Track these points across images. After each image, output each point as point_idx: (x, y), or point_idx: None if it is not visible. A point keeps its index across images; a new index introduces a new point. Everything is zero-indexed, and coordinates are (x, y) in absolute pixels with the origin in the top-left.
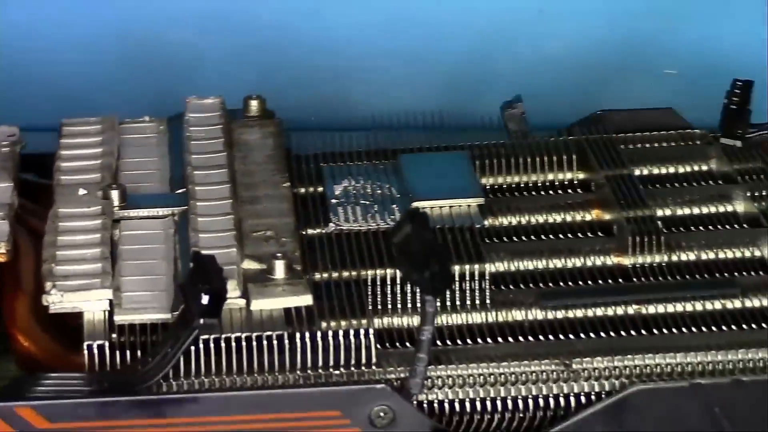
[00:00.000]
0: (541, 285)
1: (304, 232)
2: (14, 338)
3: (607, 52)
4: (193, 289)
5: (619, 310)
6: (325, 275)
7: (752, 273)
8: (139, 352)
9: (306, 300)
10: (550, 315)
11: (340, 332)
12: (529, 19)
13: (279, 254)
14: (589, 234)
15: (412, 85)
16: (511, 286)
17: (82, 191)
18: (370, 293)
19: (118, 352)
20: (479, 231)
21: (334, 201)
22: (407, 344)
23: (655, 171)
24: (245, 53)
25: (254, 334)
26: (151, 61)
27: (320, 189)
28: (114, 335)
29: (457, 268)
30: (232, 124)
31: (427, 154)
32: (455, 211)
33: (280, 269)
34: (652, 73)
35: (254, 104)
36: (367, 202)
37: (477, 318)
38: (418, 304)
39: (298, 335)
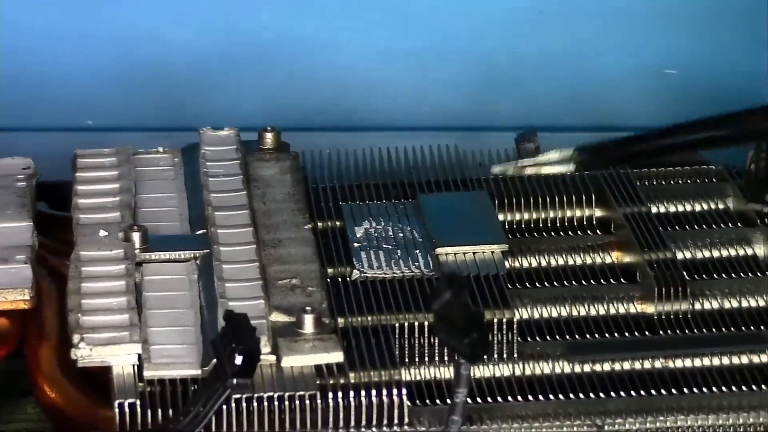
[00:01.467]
0: (567, 336)
1: (327, 275)
2: (39, 387)
3: (607, 52)
4: (226, 348)
5: (647, 364)
6: (352, 323)
7: None
8: (170, 410)
9: (337, 357)
10: (578, 368)
11: (373, 391)
12: (529, 19)
13: (308, 308)
14: (612, 280)
15: (412, 86)
16: (538, 338)
17: (103, 233)
18: (397, 343)
19: (149, 410)
20: (504, 278)
21: (356, 245)
22: (437, 401)
23: (672, 209)
24: (245, 53)
25: (287, 394)
26: (149, 62)
27: (338, 224)
28: (143, 388)
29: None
30: (247, 157)
31: (446, 194)
32: (479, 257)
33: (309, 324)
34: (652, 73)
35: (269, 137)
36: (390, 247)
37: (505, 370)
38: (446, 356)
39: (330, 394)
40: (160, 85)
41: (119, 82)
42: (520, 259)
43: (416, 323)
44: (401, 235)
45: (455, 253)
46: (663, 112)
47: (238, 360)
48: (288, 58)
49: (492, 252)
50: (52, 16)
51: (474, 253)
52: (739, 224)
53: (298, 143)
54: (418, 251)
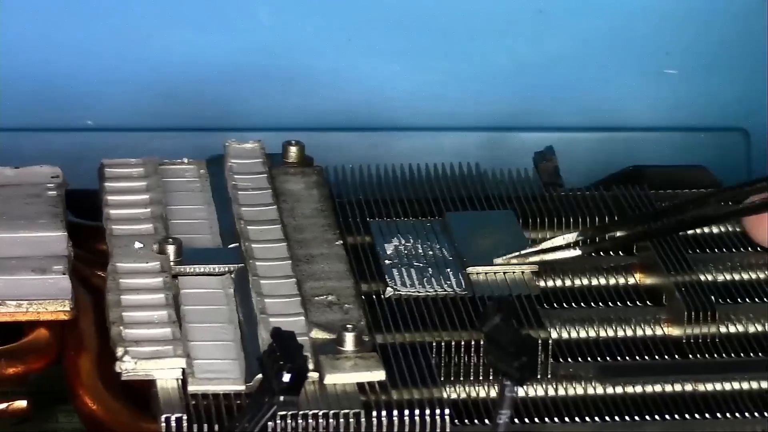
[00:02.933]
0: (598, 358)
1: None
2: (80, 398)
3: (607, 52)
4: (274, 365)
5: (678, 387)
6: (389, 340)
7: None
8: (215, 425)
9: (379, 375)
10: (610, 390)
11: (416, 409)
12: (529, 19)
13: (348, 325)
14: (638, 302)
15: (412, 85)
16: (570, 359)
17: (138, 244)
18: (434, 361)
19: (195, 425)
20: (535, 298)
21: (387, 262)
22: (476, 420)
23: (691, 231)
24: (245, 53)
25: (331, 411)
26: (149, 61)
27: (367, 239)
28: (189, 403)
29: None
30: (272, 171)
31: (473, 213)
32: (509, 277)
33: (350, 341)
34: (652, 73)
35: (293, 150)
36: (421, 264)
37: (539, 391)
38: (481, 375)
39: (374, 412)
40: (161, 85)
41: (120, 82)
42: (545, 278)
43: (452, 342)
44: (431, 253)
45: (486, 273)
46: (663, 112)
47: (287, 377)
48: (288, 58)
49: (522, 272)
50: (53, 16)
51: (505, 273)
52: (758, 248)
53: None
54: (449, 270)
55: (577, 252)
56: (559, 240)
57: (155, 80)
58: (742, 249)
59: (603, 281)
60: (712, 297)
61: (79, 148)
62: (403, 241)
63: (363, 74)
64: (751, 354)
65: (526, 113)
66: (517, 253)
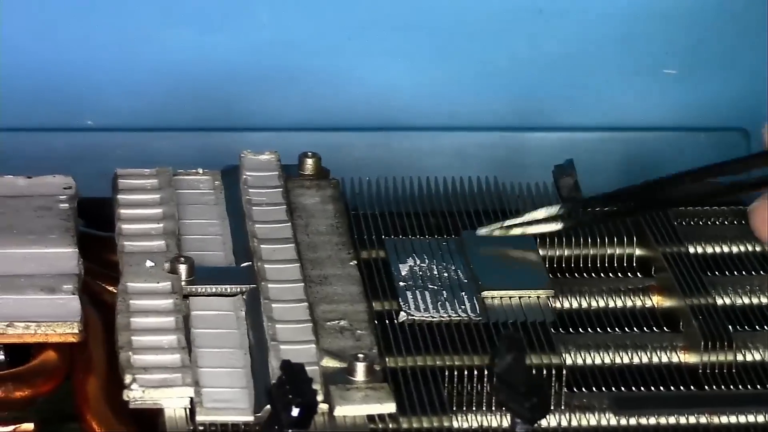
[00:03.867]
0: (613, 387)
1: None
2: (87, 423)
3: (607, 52)
4: (283, 398)
5: (692, 419)
6: (400, 366)
7: None
8: None
9: (390, 407)
10: (624, 421)
11: None
12: (529, 19)
13: (360, 354)
14: (654, 328)
15: (412, 85)
16: (584, 389)
17: (149, 263)
18: (446, 390)
19: None
20: (550, 325)
21: (402, 284)
22: None
23: (710, 250)
24: (245, 53)
25: None
26: (150, 61)
27: (381, 254)
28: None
29: (533, 367)
30: (288, 184)
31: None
32: (525, 302)
33: (361, 372)
34: (652, 73)
35: (310, 162)
36: (435, 287)
37: (552, 421)
38: (494, 404)
39: None
40: (161, 85)
41: (120, 82)
42: (561, 300)
43: (465, 369)
44: (446, 275)
45: (501, 297)
46: (663, 113)
47: (295, 412)
48: (288, 58)
49: (538, 297)
50: (53, 16)
51: (520, 297)
52: None
53: (298, 143)
54: (464, 293)
55: (558, 226)
56: (542, 212)
57: (155, 80)
58: (762, 272)
59: (620, 303)
60: (729, 326)
61: (79, 148)
62: (418, 262)
63: (363, 74)
64: None
65: (526, 113)
66: (499, 224)
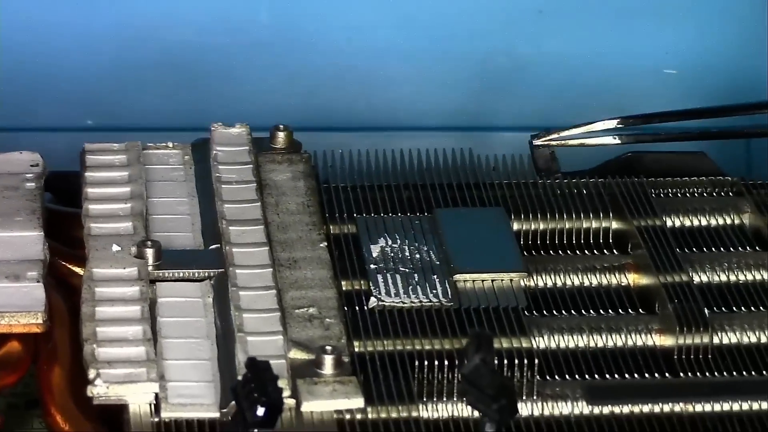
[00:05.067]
0: (586, 375)
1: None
2: (51, 417)
3: (607, 52)
4: (248, 397)
5: (666, 408)
6: (369, 353)
7: None
8: None
9: (358, 403)
10: (597, 410)
11: (392, 429)
12: (529, 19)
13: (328, 347)
14: (630, 309)
15: (412, 85)
16: (557, 376)
17: (116, 248)
18: (416, 378)
19: None
20: (523, 310)
21: (372, 266)
22: None
23: (688, 223)
24: (245, 53)
25: None
26: (151, 59)
27: (352, 228)
28: (160, 428)
29: (504, 353)
30: (259, 158)
31: (463, 210)
32: (498, 285)
33: (329, 364)
34: (652, 73)
35: (281, 136)
36: (407, 270)
37: (524, 411)
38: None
39: None
40: (161, 85)
41: (120, 82)
42: (535, 278)
43: (435, 356)
44: (418, 256)
45: (473, 281)
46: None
47: (260, 411)
48: (288, 58)
49: (511, 280)
50: (53, 15)
51: (493, 280)
52: (757, 247)
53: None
54: (435, 276)
55: (617, 140)
56: (599, 125)
57: (155, 80)
58: (740, 248)
59: (595, 282)
60: (705, 308)
61: (79, 148)
62: (389, 242)
63: (363, 74)
64: (744, 372)
65: (526, 113)
66: (556, 135)
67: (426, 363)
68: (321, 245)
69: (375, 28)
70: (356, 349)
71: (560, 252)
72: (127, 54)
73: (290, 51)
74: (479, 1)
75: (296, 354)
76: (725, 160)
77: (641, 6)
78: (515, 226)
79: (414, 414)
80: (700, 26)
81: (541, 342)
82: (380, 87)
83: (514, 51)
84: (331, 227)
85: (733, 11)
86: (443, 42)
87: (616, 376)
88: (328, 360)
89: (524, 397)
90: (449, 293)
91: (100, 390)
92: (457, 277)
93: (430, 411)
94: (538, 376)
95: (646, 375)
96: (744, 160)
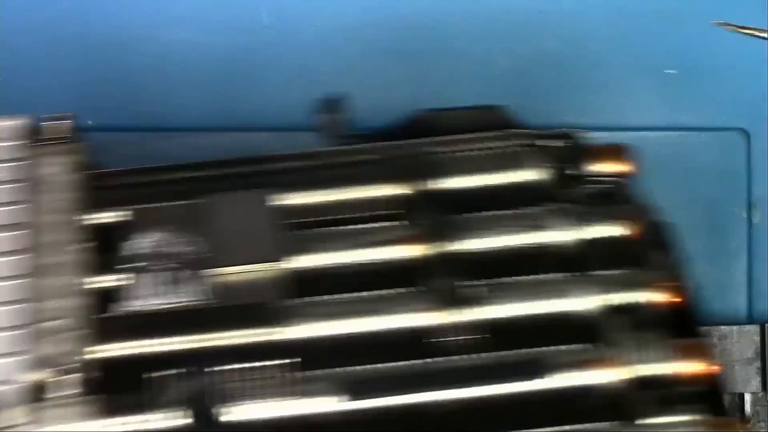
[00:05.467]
0: (347, 367)
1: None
2: None
3: (607, 52)
4: None
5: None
6: (115, 360)
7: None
8: None
9: (95, 426)
10: (359, 405)
11: None
12: (529, 19)
13: (67, 367)
14: (398, 288)
15: (412, 85)
16: (316, 369)
17: None
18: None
19: None
20: (282, 305)
21: (129, 265)
22: None
23: (465, 183)
24: (244, 53)
25: None
26: (149, 61)
27: (117, 218)
28: None
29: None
30: (31, 151)
31: (226, 197)
32: (255, 277)
33: (69, 384)
34: (652, 73)
35: (55, 126)
36: (164, 267)
37: (283, 409)
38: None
39: None
40: (161, 85)
41: (119, 82)
42: (299, 261)
43: (178, 361)
44: (176, 251)
45: (230, 274)
46: (663, 113)
47: None
48: (288, 58)
49: (271, 272)
50: (52, 15)
51: (252, 272)
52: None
53: (298, 144)
54: (192, 273)
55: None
56: None
57: (155, 80)
58: (518, 209)
59: (363, 258)
60: (468, 280)
61: None
62: (148, 238)
63: (363, 74)
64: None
65: (526, 113)
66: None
67: (172, 368)
68: (79, 246)
69: (375, 28)
70: (105, 355)
71: (330, 226)
72: (127, 54)
73: (290, 51)
74: (479, 1)
75: (37, 375)
76: (725, 154)
77: (641, 6)
78: (280, 203)
79: (153, 427)
80: (700, 26)
81: (300, 332)
82: (380, 87)
83: (514, 51)
84: (96, 220)
85: (733, 11)
86: (443, 42)
87: (379, 365)
88: (66, 381)
89: (284, 396)
90: (206, 291)
91: None
92: (215, 271)
93: (173, 419)
94: (296, 372)
95: (408, 360)
96: (744, 161)
